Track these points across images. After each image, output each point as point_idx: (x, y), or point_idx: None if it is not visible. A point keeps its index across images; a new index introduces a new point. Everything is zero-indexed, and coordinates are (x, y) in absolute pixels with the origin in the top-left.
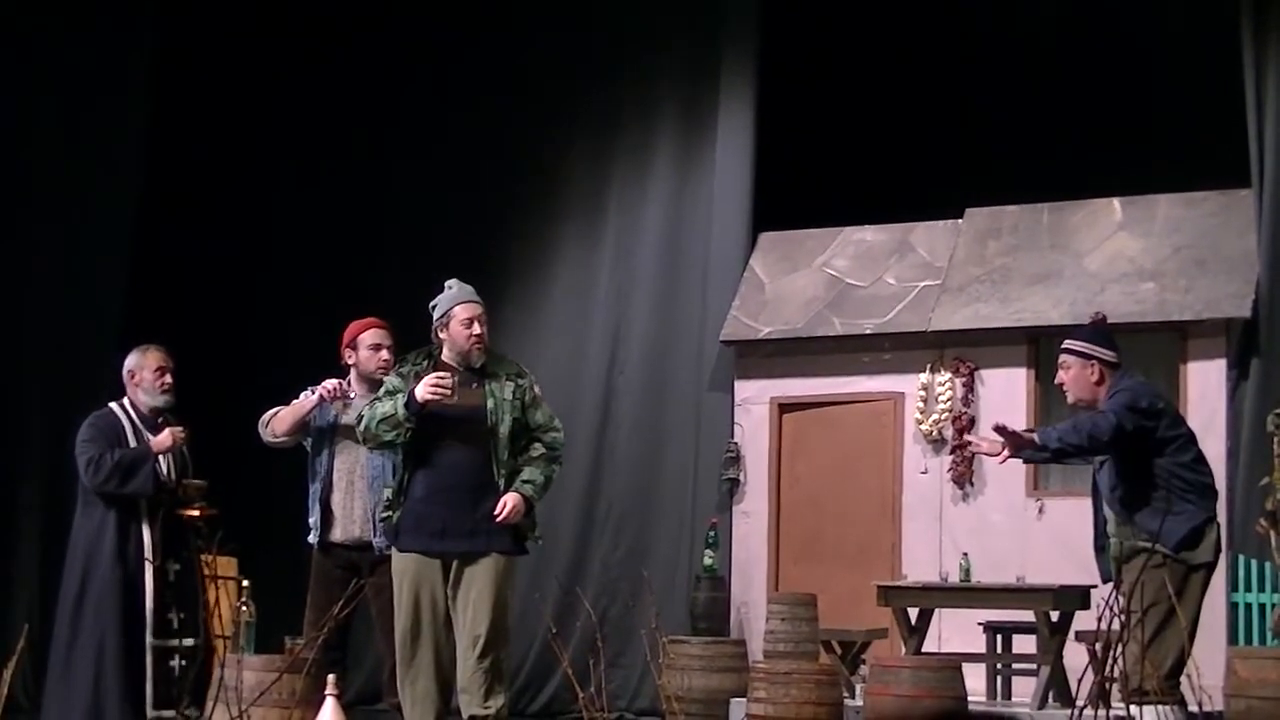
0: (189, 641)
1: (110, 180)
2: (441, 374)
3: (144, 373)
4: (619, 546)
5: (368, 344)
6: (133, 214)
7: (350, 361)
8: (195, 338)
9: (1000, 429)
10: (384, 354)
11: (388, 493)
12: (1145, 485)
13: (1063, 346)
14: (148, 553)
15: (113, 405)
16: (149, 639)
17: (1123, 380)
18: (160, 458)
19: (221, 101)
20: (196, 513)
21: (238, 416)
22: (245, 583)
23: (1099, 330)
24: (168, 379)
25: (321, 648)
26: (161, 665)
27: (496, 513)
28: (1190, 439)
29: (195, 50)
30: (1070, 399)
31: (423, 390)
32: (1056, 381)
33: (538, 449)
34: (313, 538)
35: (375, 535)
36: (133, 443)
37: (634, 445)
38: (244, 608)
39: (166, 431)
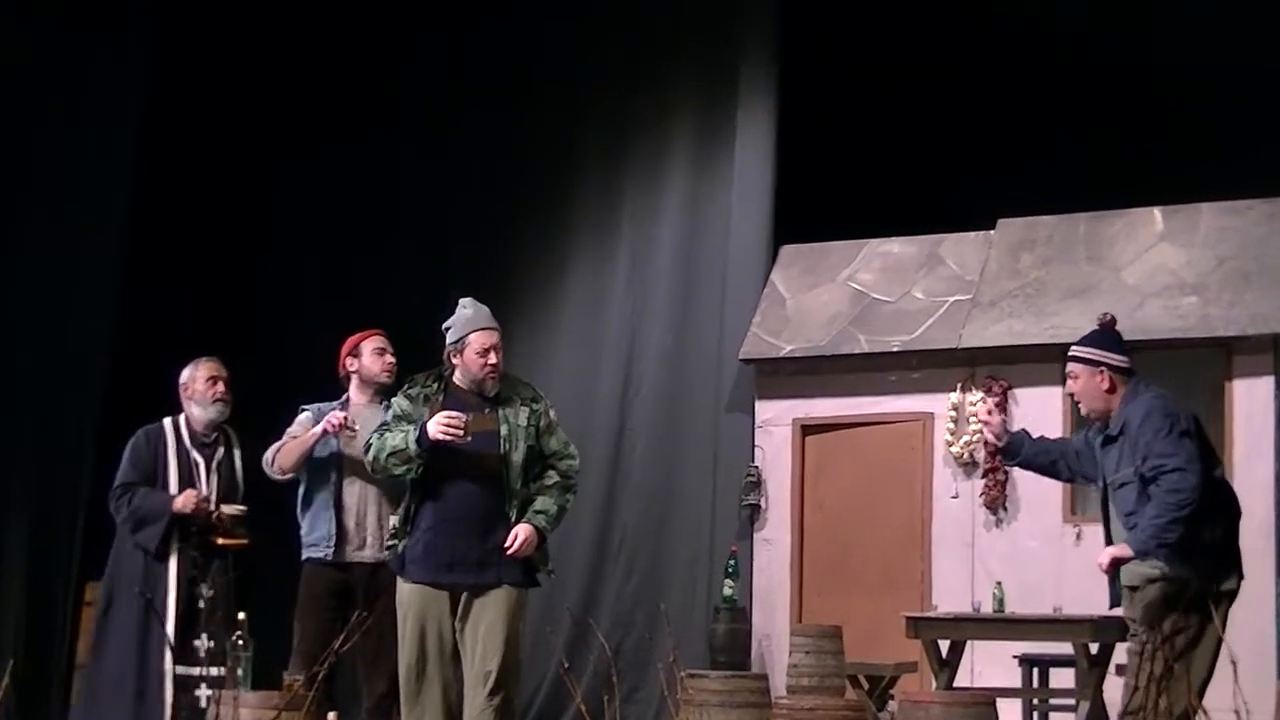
0: (217, 670)
1: (105, 177)
2: (455, 414)
3: (196, 384)
4: (634, 576)
5: (372, 349)
6: (126, 216)
7: (352, 369)
8: (189, 349)
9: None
10: (389, 358)
11: (394, 521)
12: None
13: (1069, 354)
14: (171, 580)
15: (166, 421)
16: (168, 666)
17: (1141, 392)
18: (203, 478)
19: (222, 104)
20: (225, 541)
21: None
22: (241, 615)
23: (1107, 334)
24: (220, 387)
25: (324, 681)
26: (185, 694)
27: (507, 545)
28: (1215, 456)
29: (195, 51)
30: (1083, 411)
31: (435, 429)
32: (1066, 392)
33: (552, 477)
34: (322, 552)
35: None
36: (173, 465)
37: (649, 469)
38: (240, 641)
39: (188, 496)
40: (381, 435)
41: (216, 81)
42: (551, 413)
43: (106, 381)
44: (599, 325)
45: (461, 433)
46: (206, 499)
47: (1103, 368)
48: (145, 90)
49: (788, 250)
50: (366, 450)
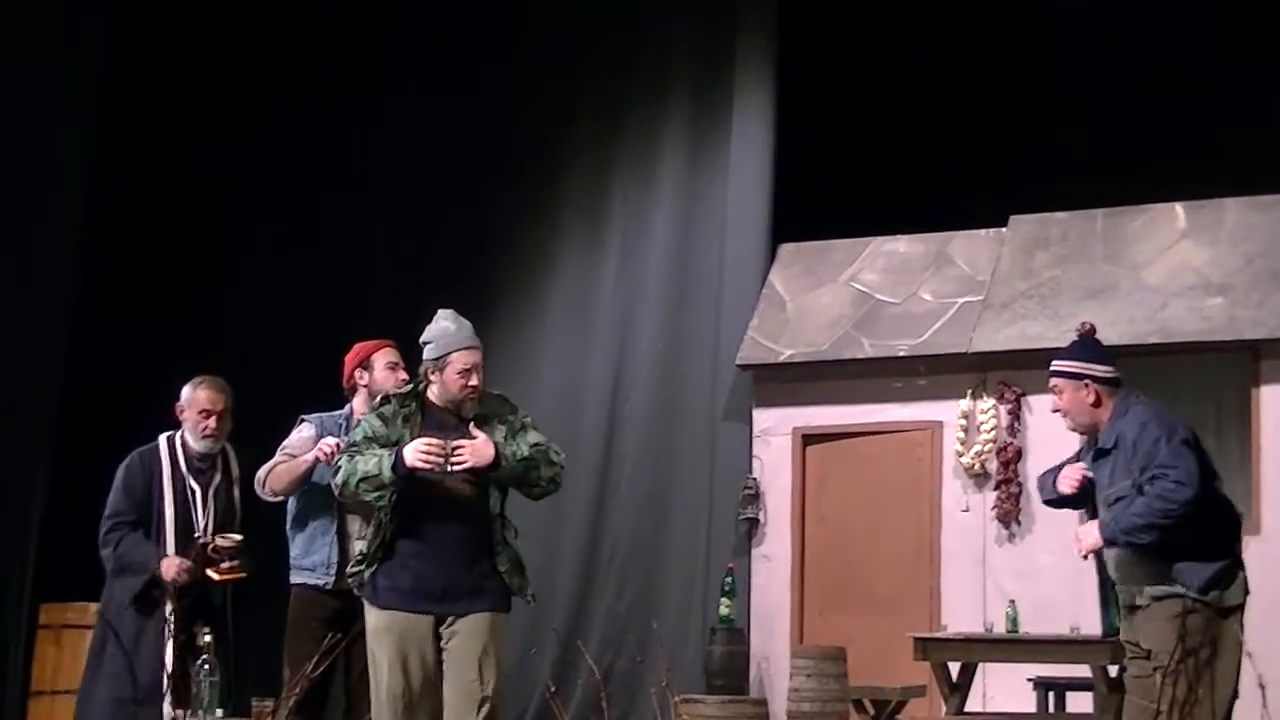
0: (218, 712)
1: (60, 179)
2: (435, 442)
3: (190, 411)
4: (625, 595)
5: (384, 363)
6: (82, 222)
7: (362, 382)
8: (148, 364)
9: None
10: (401, 373)
11: (360, 545)
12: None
13: (1050, 369)
14: (169, 620)
15: (162, 441)
16: (167, 710)
17: (1133, 403)
18: (199, 507)
19: (193, 91)
20: (219, 576)
21: None
22: (207, 637)
23: (1088, 344)
24: (210, 424)
25: (296, 708)
26: None
27: (458, 445)
28: (1214, 469)
29: (156, 42)
30: (1069, 426)
31: (413, 457)
32: (1052, 409)
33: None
34: (319, 579)
35: None
36: (168, 494)
37: (641, 481)
38: (205, 665)
39: (169, 564)
40: (352, 458)
41: (177, 64)
42: (527, 418)
43: (60, 397)
44: (587, 328)
45: (443, 461)
46: (189, 569)
47: (1087, 380)
48: (101, 89)
49: (787, 249)
50: (335, 473)
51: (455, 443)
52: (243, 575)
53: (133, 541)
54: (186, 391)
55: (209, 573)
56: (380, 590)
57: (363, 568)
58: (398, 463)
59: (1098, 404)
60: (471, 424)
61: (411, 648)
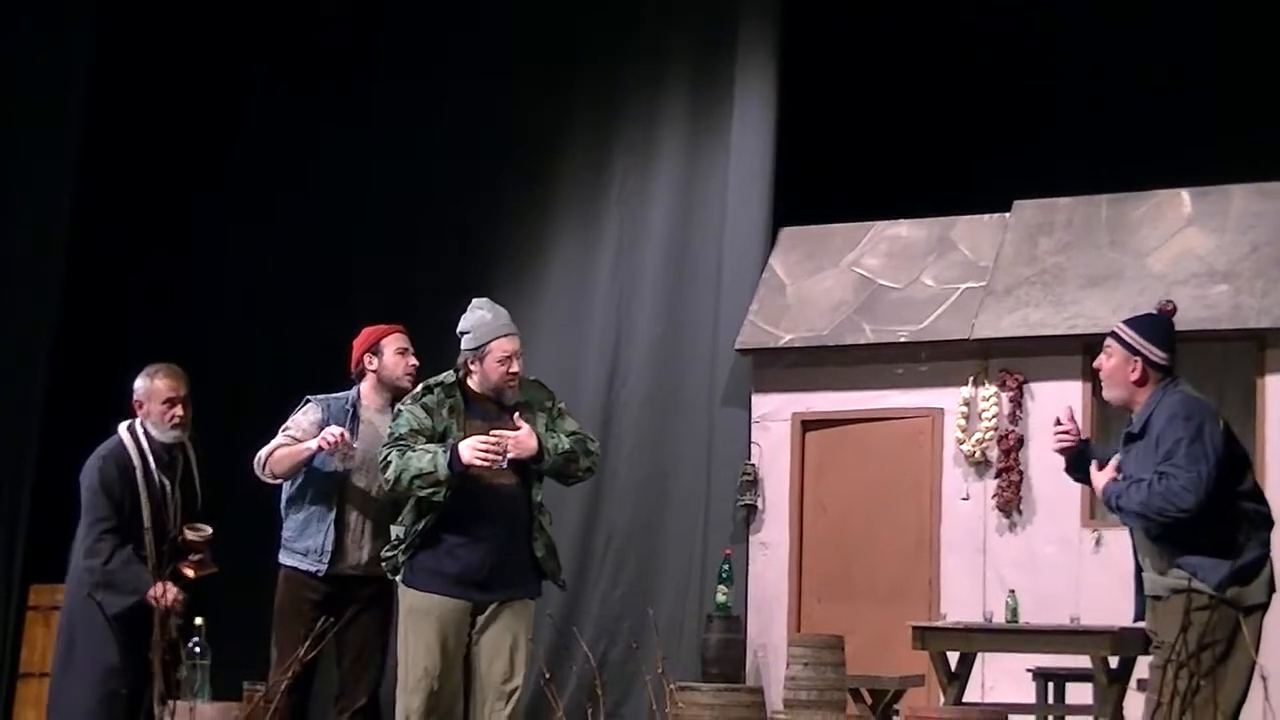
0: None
1: (47, 158)
2: (489, 440)
3: (151, 403)
4: (621, 581)
5: (394, 348)
6: (72, 200)
7: (371, 367)
8: (137, 342)
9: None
10: (411, 359)
11: (398, 530)
12: (1196, 518)
13: (1113, 330)
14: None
15: (122, 431)
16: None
17: (1171, 391)
18: (169, 497)
19: (177, 87)
20: (192, 572)
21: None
22: (198, 620)
23: (1159, 325)
24: (177, 411)
25: (287, 692)
26: None
27: (504, 437)
28: (1247, 463)
29: (141, 46)
30: (1105, 392)
31: (469, 454)
32: (1095, 365)
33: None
34: (311, 565)
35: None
36: (144, 495)
37: (637, 467)
38: (197, 648)
39: (168, 593)
40: (403, 454)
41: (172, 60)
42: (563, 404)
43: (49, 378)
44: (584, 312)
45: (500, 459)
46: (179, 598)
47: (1139, 359)
48: (89, 67)
49: (788, 233)
50: (385, 468)
51: (497, 433)
52: (214, 570)
53: (124, 559)
54: (142, 383)
55: (183, 569)
56: (420, 574)
57: (398, 552)
58: (453, 460)
59: (1140, 383)
60: (516, 414)
61: (450, 631)
